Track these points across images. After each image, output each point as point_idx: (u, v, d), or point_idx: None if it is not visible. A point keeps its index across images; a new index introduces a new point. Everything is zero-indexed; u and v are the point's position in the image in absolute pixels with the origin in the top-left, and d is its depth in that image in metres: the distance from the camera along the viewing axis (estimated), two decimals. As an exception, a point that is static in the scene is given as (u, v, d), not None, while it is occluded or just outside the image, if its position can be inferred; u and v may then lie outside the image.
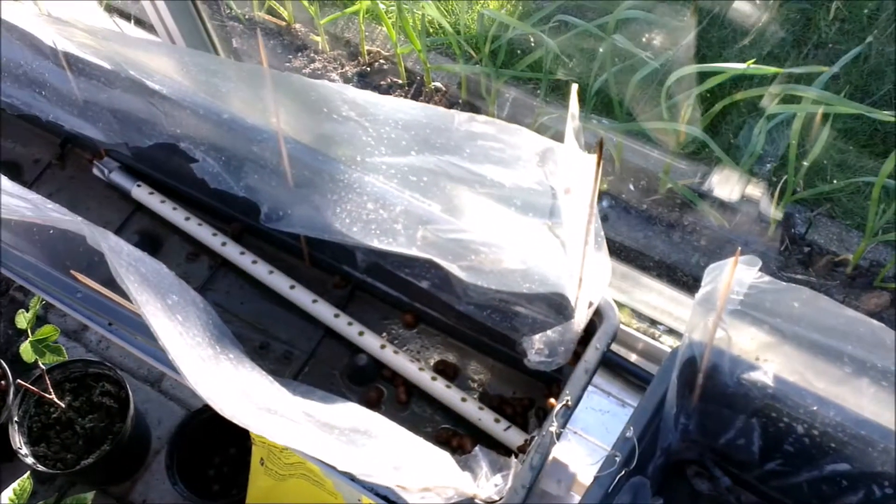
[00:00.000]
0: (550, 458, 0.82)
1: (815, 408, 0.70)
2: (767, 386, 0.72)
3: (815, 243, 1.37)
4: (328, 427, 0.70)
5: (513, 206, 0.77)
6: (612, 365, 0.92)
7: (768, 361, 0.71)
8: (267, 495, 1.15)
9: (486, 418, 0.85)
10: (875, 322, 0.65)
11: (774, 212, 1.37)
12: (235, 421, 0.62)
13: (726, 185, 1.42)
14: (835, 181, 1.37)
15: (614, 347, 0.95)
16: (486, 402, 0.87)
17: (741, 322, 0.70)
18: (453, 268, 0.80)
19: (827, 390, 0.70)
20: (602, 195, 1.46)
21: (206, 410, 1.24)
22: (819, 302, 0.66)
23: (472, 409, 0.86)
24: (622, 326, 0.95)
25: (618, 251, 1.38)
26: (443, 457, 0.71)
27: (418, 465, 0.67)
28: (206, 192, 0.95)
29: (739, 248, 0.68)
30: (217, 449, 1.25)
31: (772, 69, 1.22)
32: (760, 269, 0.68)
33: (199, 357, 0.69)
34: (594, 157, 0.65)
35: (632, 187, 1.47)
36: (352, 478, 0.65)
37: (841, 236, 1.38)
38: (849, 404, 0.69)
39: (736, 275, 0.67)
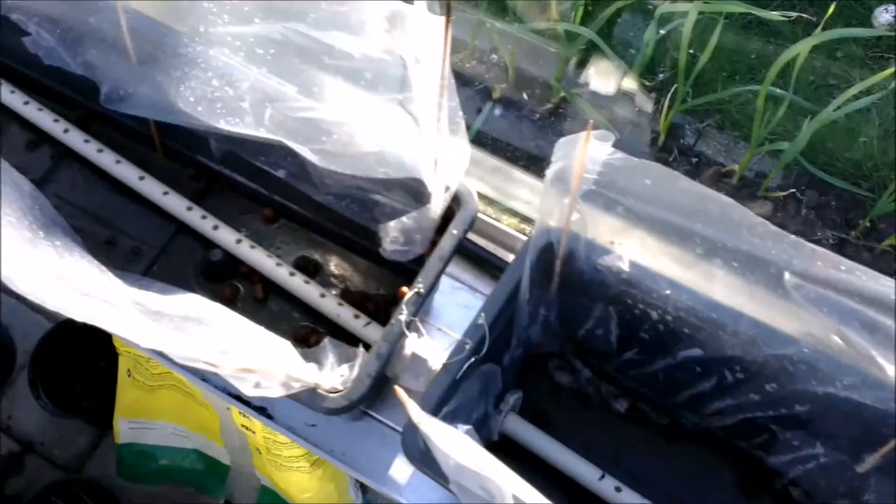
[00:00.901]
0: (410, 353, 0.79)
1: (668, 292, 0.69)
2: (622, 271, 0.70)
3: (703, 154, 1.37)
4: (157, 315, 0.65)
5: (362, 80, 0.71)
6: (480, 261, 0.89)
7: (623, 245, 0.69)
8: (137, 407, 1.11)
9: (345, 314, 0.81)
10: (725, 198, 0.63)
11: (664, 122, 1.35)
12: (32, 297, 0.56)
13: (617, 94, 1.40)
14: (719, 91, 1.36)
15: (484, 244, 0.92)
16: (348, 300, 0.84)
17: (595, 203, 0.67)
18: (304, 151, 0.75)
19: (679, 274, 0.68)
20: (494, 102, 1.42)
21: (74, 322, 1.17)
22: (671, 179, 0.64)
23: (330, 306, 0.82)
24: (499, 225, 0.92)
25: (507, 156, 1.35)
26: (284, 346, 0.67)
27: (253, 352, 0.63)
28: (49, 74, 0.87)
29: (592, 122, 0.64)
30: (87, 363, 1.19)
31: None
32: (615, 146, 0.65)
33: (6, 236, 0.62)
34: (443, 20, 0.60)
35: (525, 96, 1.44)
36: (163, 356, 0.61)
37: (729, 147, 1.38)
38: (700, 288, 0.68)
39: (589, 152, 0.64)
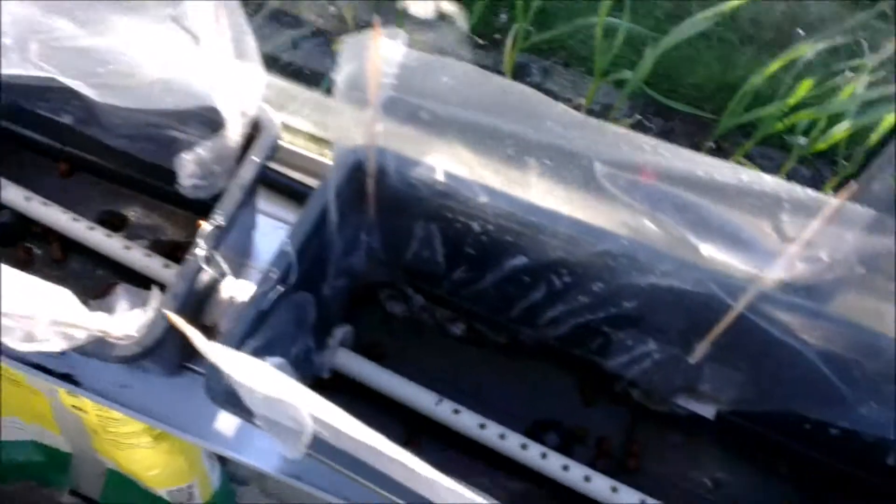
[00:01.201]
0: (228, 297, 0.73)
1: (484, 200, 0.65)
2: (436, 182, 0.66)
3: (551, 91, 1.35)
4: None
5: (131, -1, 0.65)
6: (302, 198, 0.83)
7: (433, 154, 0.65)
8: (-42, 405, 1.00)
9: (153, 265, 0.74)
10: (525, 88, 0.59)
11: (508, 62, 1.32)
12: None
13: (461, 38, 1.36)
14: (559, 26, 1.34)
15: (311, 181, 0.86)
16: (159, 250, 0.77)
17: (398, 111, 0.63)
18: (80, 86, 0.67)
19: (493, 178, 0.65)
20: (336, 54, 1.36)
21: None
22: (469, 74, 0.60)
23: (136, 257, 0.75)
24: (322, 159, 0.87)
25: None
26: (60, 293, 0.59)
27: (12, 300, 0.56)
28: None
29: (378, 18, 0.60)
30: None
31: None
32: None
33: None
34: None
35: (368, 47, 1.38)
36: None
37: (576, 83, 1.36)
38: (516, 191, 0.65)
39: (382, 53, 0.60)
